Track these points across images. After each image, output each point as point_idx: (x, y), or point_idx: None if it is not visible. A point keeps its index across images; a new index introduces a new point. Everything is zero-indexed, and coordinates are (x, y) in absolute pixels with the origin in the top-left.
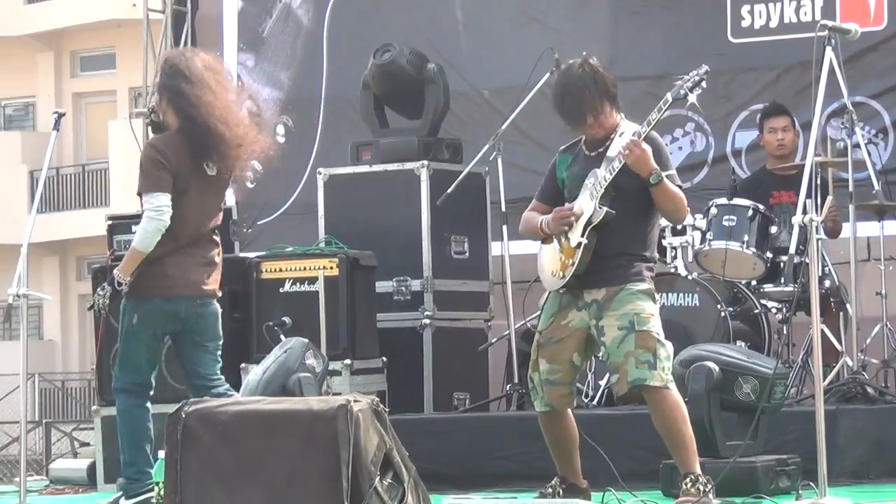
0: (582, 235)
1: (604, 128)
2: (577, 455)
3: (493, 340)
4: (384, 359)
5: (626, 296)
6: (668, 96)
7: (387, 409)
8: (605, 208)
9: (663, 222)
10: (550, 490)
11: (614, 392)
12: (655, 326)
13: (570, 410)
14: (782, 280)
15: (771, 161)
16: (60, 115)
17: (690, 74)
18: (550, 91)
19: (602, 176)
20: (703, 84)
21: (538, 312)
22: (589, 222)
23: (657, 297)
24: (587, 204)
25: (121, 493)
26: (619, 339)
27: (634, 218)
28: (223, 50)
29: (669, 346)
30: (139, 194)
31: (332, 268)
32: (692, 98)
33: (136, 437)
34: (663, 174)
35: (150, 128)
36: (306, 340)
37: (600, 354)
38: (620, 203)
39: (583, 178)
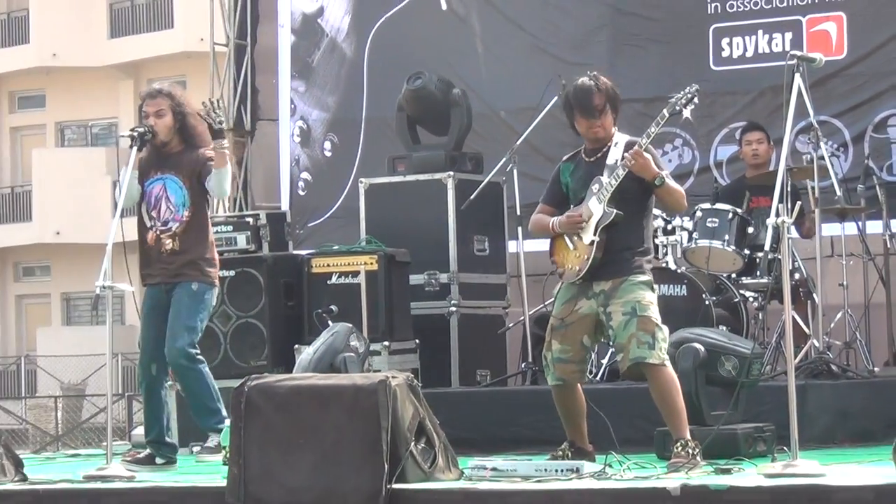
0: (594, 234)
1: (605, 130)
2: (585, 423)
3: (510, 325)
4: (417, 341)
5: (629, 286)
6: (665, 112)
7: (420, 384)
8: (613, 210)
9: (655, 224)
10: (561, 453)
11: (620, 368)
12: (654, 312)
13: (579, 385)
14: (758, 273)
15: (748, 171)
16: (141, 134)
17: (683, 92)
18: (559, 112)
19: (607, 182)
20: (696, 100)
21: (549, 300)
22: (600, 223)
23: (654, 287)
24: (596, 207)
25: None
26: (623, 324)
27: (634, 217)
28: (278, 78)
29: (666, 329)
30: None
31: (372, 263)
32: (686, 113)
33: (216, 391)
34: (665, 175)
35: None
36: (350, 325)
37: (607, 337)
38: (622, 205)
39: (585, 181)
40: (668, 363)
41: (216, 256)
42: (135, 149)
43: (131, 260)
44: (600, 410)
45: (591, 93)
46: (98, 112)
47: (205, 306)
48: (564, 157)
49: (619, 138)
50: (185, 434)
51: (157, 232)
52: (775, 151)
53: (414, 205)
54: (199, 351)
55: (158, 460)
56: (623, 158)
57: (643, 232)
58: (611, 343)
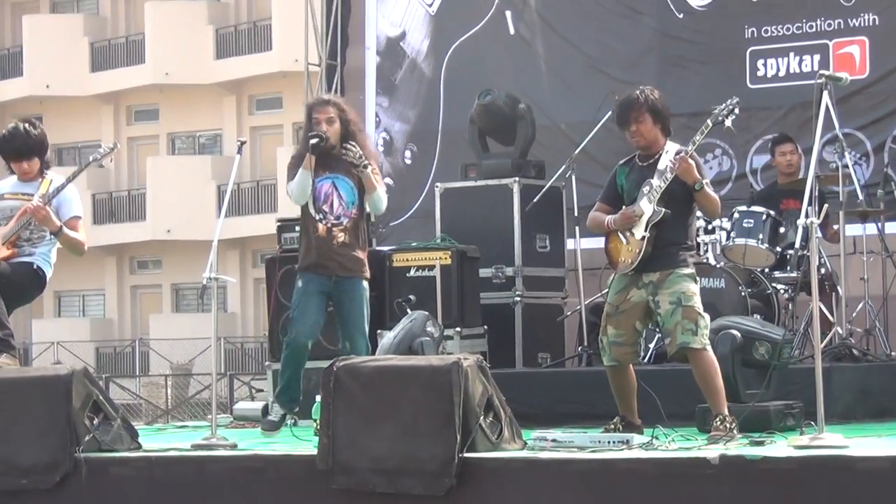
0: (645, 230)
1: (644, 137)
2: (635, 400)
3: (568, 313)
4: (485, 327)
5: (676, 278)
6: (709, 121)
7: (488, 365)
8: (662, 209)
9: (697, 224)
10: (613, 426)
11: (667, 352)
12: (697, 302)
13: (631, 366)
14: (788, 268)
15: (780, 177)
16: (242, 143)
17: (725, 104)
18: (612, 124)
19: (657, 185)
20: (736, 111)
21: (603, 291)
22: (650, 220)
23: (697, 279)
24: (646, 206)
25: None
26: (669, 312)
27: (680, 217)
28: (365, 94)
29: (707, 317)
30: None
31: (446, 258)
32: (728, 122)
33: None
34: (704, 182)
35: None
36: (427, 313)
37: (655, 323)
38: (669, 205)
39: (637, 184)
40: (709, 348)
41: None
42: (313, 155)
43: (231, 255)
44: (649, 389)
45: (625, 105)
46: (205, 124)
47: (366, 301)
48: (621, 162)
49: (670, 147)
50: None
51: (329, 225)
52: (804, 160)
53: (484, 207)
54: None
55: (288, 418)
56: (670, 163)
57: (688, 230)
58: (658, 329)
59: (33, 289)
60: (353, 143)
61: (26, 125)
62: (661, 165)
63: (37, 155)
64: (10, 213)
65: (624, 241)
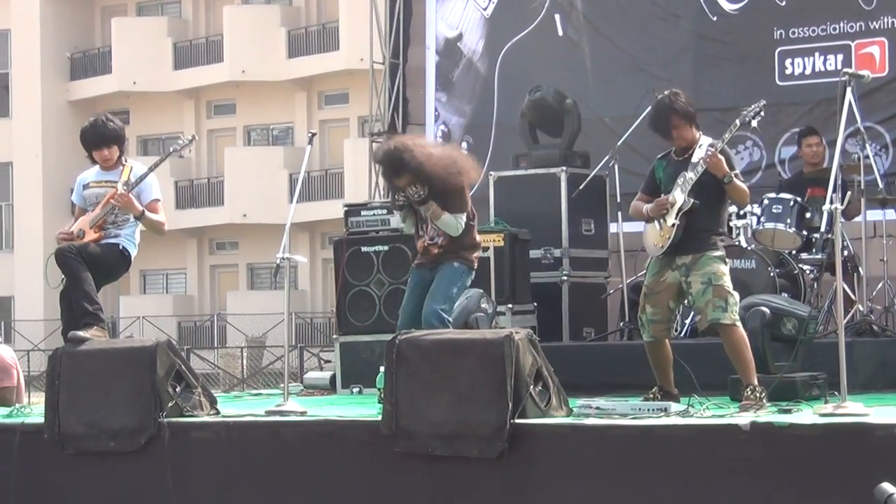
0: (675, 218)
1: (685, 139)
2: (671, 371)
3: (611, 291)
4: (535, 304)
5: (706, 260)
6: (737, 122)
7: (538, 339)
8: (692, 200)
9: (730, 209)
10: (651, 395)
11: (698, 328)
12: (727, 282)
13: (667, 340)
14: (814, 250)
15: (806, 167)
16: (313, 135)
17: (753, 107)
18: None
19: (689, 177)
20: (762, 113)
21: (643, 272)
22: (681, 209)
23: (727, 261)
24: (679, 196)
25: None
26: (701, 291)
27: (711, 205)
28: (425, 90)
29: (737, 295)
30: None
31: (499, 241)
32: (754, 123)
33: None
34: (733, 175)
35: None
36: (481, 291)
37: (688, 302)
38: (702, 195)
39: (674, 176)
40: (738, 323)
41: (476, 243)
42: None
43: (302, 237)
44: (684, 362)
45: (659, 118)
46: (277, 118)
47: (461, 281)
48: (659, 156)
49: (704, 140)
50: (347, 377)
51: (426, 243)
52: (828, 151)
53: (533, 193)
54: (449, 317)
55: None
56: (703, 157)
57: (719, 217)
58: (691, 307)
59: (120, 267)
60: (426, 201)
61: (104, 117)
62: (695, 158)
63: (115, 143)
64: (95, 199)
65: (658, 227)
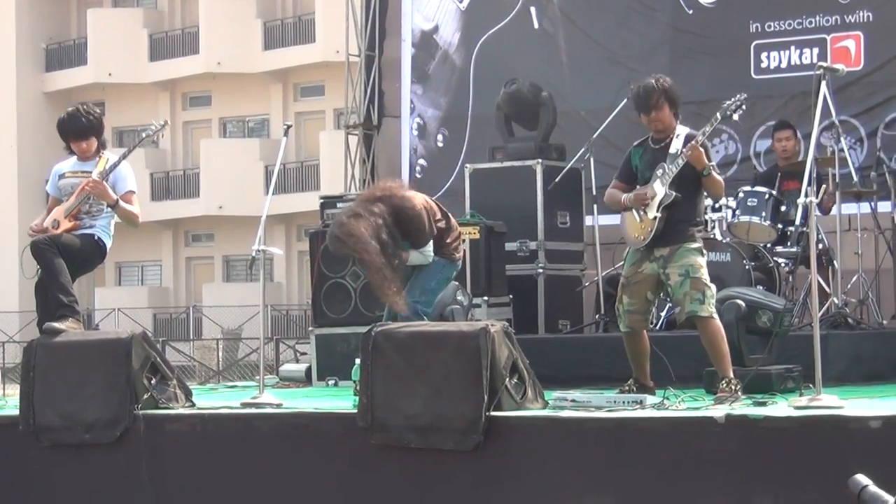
0: (657, 210)
1: (663, 122)
2: (647, 363)
3: (586, 284)
4: (510, 296)
5: (684, 252)
6: (718, 115)
7: (513, 331)
8: (673, 193)
9: (706, 202)
10: (627, 388)
11: (676, 320)
12: (704, 274)
13: (645, 331)
14: (789, 243)
15: (780, 160)
16: (288, 127)
17: (733, 100)
18: (628, 111)
19: (669, 169)
20: (744, 107)
21: (619, 264)
22: (662, 202)
23: (704, 252)
24: (659, 188)
25: None
26: (679, 283)
27: (689, 196)
28: (401, 82)
29: (714, 288)
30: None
31: (474, 233)
32: (735, 117)
33: None
34: (711, 167)
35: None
36: (457, 283)
37: (666, 294)
38: (682, 187)
39: (651, 165)
40: (715, 316)
41: (455, 237)
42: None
43: (278, 229)
44: (661, 353)
45: (645, 92)
46: (253, 110)
47: (441, 274)
48: (635, 143)
49: (681, 130)
50: (322, 370)
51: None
52: (802, 145)
53: (509, 186)
54: (427, 310)
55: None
56: (683, 150)
57: (696, 208)
58: (669, 299)
59: (95, 258)
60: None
61: (83, 108)
62: (672, 149)
63: (93, 135)
64: (71, 189)
65: (638, 218)
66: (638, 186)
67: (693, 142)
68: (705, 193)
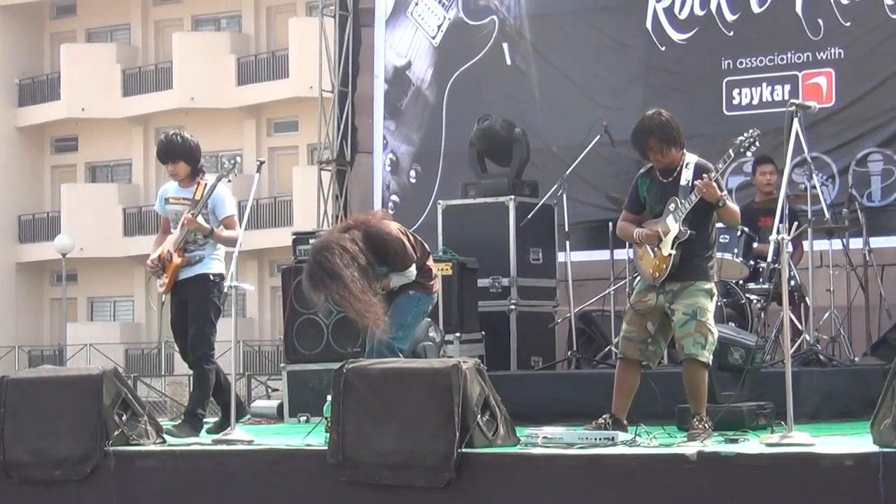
0: (672, 248)
1: (665, 160)
2: (629, 400)
3: (559, 320)
4: (483, 333)
5: (694, 290)
6: (731, 151)
7: (485, 368)
8: (687, 230)
9: None
10: (602, 423)
11: (677, 356)
12: (710, 319)
13: (639, 369)
14: (761, 280)
15: (758, 196)
16: (262, 163)
17: (746, 135)
18: (602, 147)
19: (682, 204)
20: (757, 143)
21: (591, 300)
22: (676, 238)
23: (715, 293)
24: (673, 225)
25: None
26: (683, 322)
27: (701, 229)
28: (374, 118)
29: (716, 334)
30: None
31: (447, 269)
32: (749, 154)
33: None
34: (725, 197)
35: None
36: (429, 319)
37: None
38: (694, 221)
39: (660, 198)
40: (710, 363)
41: (429, 269)
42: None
43: (250, 265)
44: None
45: (637, 137)
46: (226, 145)
47: (417, 308)
48: (641, 171)
49: (690, 159)
50: (294, 406)
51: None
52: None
53: (482, 222)
54: (403, 347)
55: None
56: (695, 187)
57: (708, 240)
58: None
59: (216, 292)
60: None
61: (174, 133)
62: (683, 180)
63: (181, 159)
64: (175, 217)
65: (652, 255)
66: (650, 220)
67: (706, 178)
68: (717, 223)
